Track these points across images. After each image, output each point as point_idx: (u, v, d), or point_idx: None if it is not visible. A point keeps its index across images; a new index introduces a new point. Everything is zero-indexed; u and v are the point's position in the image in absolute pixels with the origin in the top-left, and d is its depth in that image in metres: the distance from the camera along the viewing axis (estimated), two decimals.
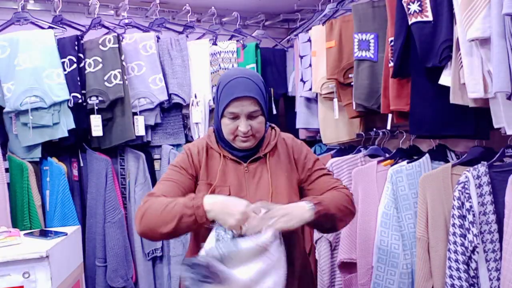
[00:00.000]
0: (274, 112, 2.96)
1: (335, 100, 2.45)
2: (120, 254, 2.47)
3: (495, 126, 1.55)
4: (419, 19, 1.70)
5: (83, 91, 2.40)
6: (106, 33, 2.52)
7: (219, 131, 1.38)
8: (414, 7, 1.71)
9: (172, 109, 2.68)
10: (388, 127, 2.18)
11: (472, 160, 1.76)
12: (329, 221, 1.27)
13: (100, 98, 2.40)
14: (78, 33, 2.49)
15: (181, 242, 2.57)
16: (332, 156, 2.43)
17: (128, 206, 2.60)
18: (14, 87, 2.23)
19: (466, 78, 1.54)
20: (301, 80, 2.73)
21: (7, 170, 2.27)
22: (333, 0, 2.60)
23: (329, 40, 2.41)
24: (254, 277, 1.12)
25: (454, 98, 1.63)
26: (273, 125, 1.47)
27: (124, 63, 2.47)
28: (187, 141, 2.68)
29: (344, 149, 2.52)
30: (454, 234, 1.64)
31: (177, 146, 2.68)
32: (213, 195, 1.25)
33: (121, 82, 2.41)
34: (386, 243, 1.92)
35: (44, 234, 1.87)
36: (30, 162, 2.30)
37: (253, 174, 1.37)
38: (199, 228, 1.21)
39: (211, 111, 2.71)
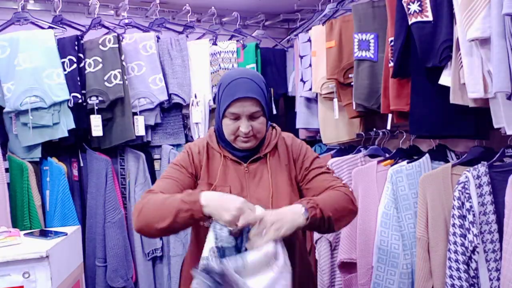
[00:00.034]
0: (274, 112, 2.96)
1: (335, 100, 2.45)
2: (120, 254, 2.47)
3: (495, 126, 1.55)
4: (419, 19, 1.70)
5: (83, 91, 2.40)
6: (106, 33, 2.52)
7: (220, 131, 1.38)
8: (414, 7, 1.71)
9: (172, 109, 2.68)
10: (388, 127, 2.18)
11: (472, 160, 1.76)
12: (325, 223, 1.24)
13: (100, 98, 2.40)
14: (78, 33, 2.49)
15: (181, 242, 2.57)
16: (332, 156, 2.44)
17: (128, 206, 2.60)
18: (14, 87, 2.23)
19: (466, 78, 1.54)
20: (301, 80, 2.74)
21: (7, 170, 2.27)
22: (333, 0, 2.60)
23: (329, 40, 2.41)
24: (267, 286, 1.12)
25: (454, 98, 1.63)
26: (274, 124, 1.47)
27: (124, 63, 2.47)
28: (187, 141, 2.68)
29: (344, 149, 2.52)
30: (454, 234, 1.64)
31: (177, 146, 2.68)
32: (210, 191, 1.24)
33: (121, 82, 2.41)
34: (386, 243, 1.92)
35: (44, 234, 1.87)
36: (30, 162, 2.30)
37: (253, 174, 1.37)
38: (195, 223, 1.21)
39: (211, 111, 2.71)
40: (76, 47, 2.40)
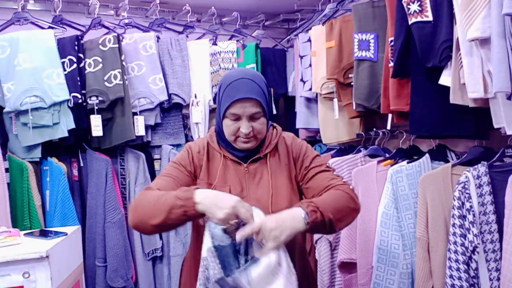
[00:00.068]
0: (274, 112, 2.96)
1: (335, 100, 2.45)
2: (120, 254, 2.47)
3: (495, 126, 1.55)
4: (419, 19, 1.70)
5: (83, 91, 2.40)
6: (106, 33, 2.52)
7: (220, 131, 1.38)
8: (414, 7, 1.71)
9: (172, 109, 2.68)
10: (388, 127, 2.18)
11: (472, 160, 1.76)
12: (326, 226, 1.22)
13: (100, 98, 2.40)
14: (78, 33, 2.49)
15: (181, 242, 2.57)
16: (332, 156, 2.44)
17: (128, 206, 2.60)
18: (14, 87, 2.23)
19: (466, 78, 1.54)
20: (301, 80, 2.74)
21: (7, 170, 2.27)
22: (333, 0, 2.60)
23: (329, 40, 2.41)
24: None
25: (454, 98, 1.63)
26: (274, 124, 1.46)
27: (124, 63, 2.47)
28: (187, 141, 2.68)
29: (344, 149, 2.52)
30: (454, 234, 1.64)
31: (177, 146, 2.69)
32: (206, 189, 1.23)
33: (121, 82, 2.41)
34: (386, 243, 1.92)
35: (44, 234, 1.87)
36: (30, 162, 2.30)
37: (253, 174, 1.36)
38: (189, 221, 1.20)
39: (211, 111, 2.71)
40: (76, 47, 2.40)
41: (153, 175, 2.63)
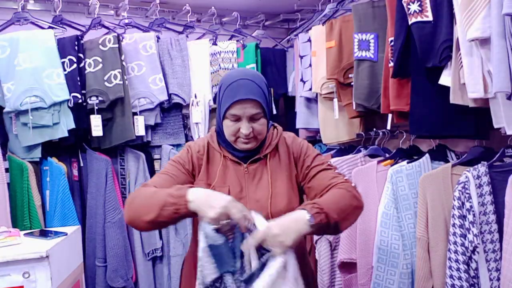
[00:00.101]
0: (274, 112, 2.96)
1: (335, 100, 2.45)
2: (120, 254, 2.47)
3: (495, 126, 1.55)
4: (419, 19, 1.70)
5: (83, 91, 2.40)
6: (106, 33, 2.52)
7: (220, 132, 1.38)
8: (414, 7, 1.71)
9: (172, 109, 2.68)
10: (388, 127, 2.18)
11: (472, 160, 1.76)
12: (331, 226, 1.21)
13: (100, 98, 2.40)
14: (78, 33, 2.49)
15: (181, 242, 2.57)
16: (332, 156, 2.44)
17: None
18: (14, 87, 2.23)
19: (466, 78, 1.54)
20: (301, 80, 2.74)
21: (7, 170, 2.26)
22: (333, 0, 2.60)
23: (329, 40, 2.41)
24: None
25: (454, 98, 1.63)
26: (275, 124, 1.46)
27: (124, 63, 2.47)
28: (187, 141, 2.68)
29: (344, 149, 2.52)
30: (454, 234, 1.64)
31: (177, 146, 2.69)
32: (200, 188, 1.22)
33: (121, 82, 2.41)
34: (386, 243, 1.92)
35: (44, 234, 1.87)
36: (30, 162, 2.30)
37: (253, 175, 1.36)
38: (181, 219, 1.20)
39: (211, 111, 2.71)
40: (76, 47, 2.40)
41: (153, 175, 2.62)
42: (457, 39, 1.58)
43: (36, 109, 2.25)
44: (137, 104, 2.53)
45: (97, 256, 2.48)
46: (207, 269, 1.14)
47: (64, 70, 2.33)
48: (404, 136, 2.22)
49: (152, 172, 2.63)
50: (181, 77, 2.63)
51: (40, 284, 1.62)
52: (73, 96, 2.32)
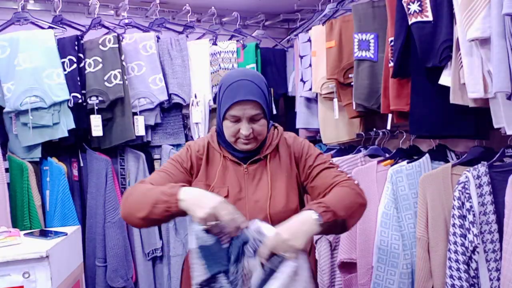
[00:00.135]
0: (274, 112, 2.96)
1: (335, 100, 2.45)
2: (120, 254, 2.47)
3: (495, 126, 1.55)
4: (419, 19, 1.70)
5: (83, 91, 2.40)
6: (106, 33, 2.52)
7: (220, 132, 1.37)
8: (414, 7, 1.71)
9: (172, 109, 2.68)
10: (388, 127, 2.18)
11: (472, 160, 1.76)
12: (339, 224, 1.21)
13: (100, 98, 2.40)
14: (78, 33, 2.49)
15: (181, 242, 2.57)
16: (332, 156, 2.44)
17: None
18: (14, 87, 2.23)
19: (466, 78, 1.54)
20: (301, 80, 2.74)
21: (7, 170, 2.26)
22: (333, 0, 2.60)
23: (329, 40, 2.41)
24: None
25: (454, 98, 1.63)
26: (276, 124, 1.45)
27: (124, 63, 2.47)
28: (187, 141, 2.67)
29: (344, 149, 2.52)
30: (454, 234, 1.64)
31: (177, 146, 2.69)
32: (192, 187, 1.22)
33: (121, 82, 2.41)
34: (386, 243, 1.92)
35: (44, 234, 1.86)
36: (30, 162, 2.30)
37: (252, 175, 1.36)
38: (173, 217, 1.20)
39: (211, 111, 2.71)
40: (76, 47, 2.40)
41: None
42: (457, 39, 1.58)
43: (36, 109, 2.25)
44: (137, 104, 2.53)
45: (97, 256, 2.48)
46: (197, 271, 1.14)
47: (64, 70, 2.33)
48: (404, 136, 2.22)
49: (152, 172, 2.63)
50: (181, 77, 2.63)
51: (40, 284, 1.62)
52: (73, 96, 2.32)
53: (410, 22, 1.74)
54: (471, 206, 1.61)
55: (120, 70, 2.41)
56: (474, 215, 1.60)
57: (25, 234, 1.87)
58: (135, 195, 1.24)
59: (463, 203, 1.62)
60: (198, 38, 2.94)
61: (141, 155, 2.60)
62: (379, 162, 2.12)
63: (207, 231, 1.13)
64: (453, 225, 1.64)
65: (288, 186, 1.36)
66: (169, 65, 2.64)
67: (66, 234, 1.85)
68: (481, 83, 1.49)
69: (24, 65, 2.24)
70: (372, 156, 2.26)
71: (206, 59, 2.72)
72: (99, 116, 2.40)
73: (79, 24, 2.55)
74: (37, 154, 2.33)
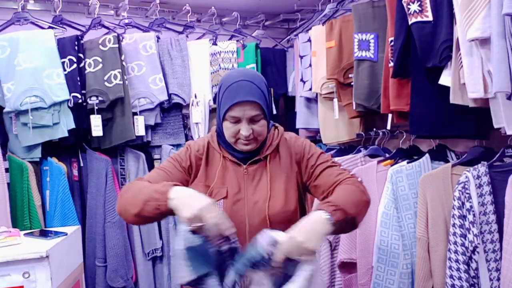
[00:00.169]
0: (274, 112, 2.96)
1: (335, 100, 2.45)
2: (120, 254, 2.47)
3: (495, 126, 1.55)
4: (419, 19, 1.70)
5: (83, 91, 2.40)
6: (106, 33, 2.52)
7: (220, 132, 1.37)
8: (414, 7, 1.71)
9: (172, 109, 2.68)
10: (388, 127, 2.18)
11: (472, 160, 1.76)
12: (349, 222, 1.20)
13: (100, 98, 2.40)
14: (78, 33, 2.49)
15: None
16: (332, 156, 2.41)
17: None
18: (14, 87, 2.23)
19: (466, 78, 1.54)
20: (301, 80, 2.74)
21: (7, 170, 2.26)
22: (333, 0, 2.60)
23: (329, 40, 2.41)
24: None
25: (454, 98, 1.63)
26: (276, 124, 1.45)
27: (124, 63, 2.47)
28: (187, 141, 2.68)
29: (344, 149, 2.52)
30: (454, 234, 1.64)
31: (177, 146, 2.69)
32: (185, 187, 1.21)
33: (121, 82, 2.41)
34: (386, 243, 1.92)
35: (44, 234, 1.86)
36: (30, 162, 2.30)
37: (252, 176, 1.35)
38: (163, 216, 1.19)
39: (211, 111, 2.71)
40: (76, 47, 2.40)
41: None
42: (457, 39, 1.58)
43: (36, 109, 2.25)
44: (137, 104, 2.53)
45: (97, 256, 2.48)
46: (181, 271, 1.12)
47: (64, 70, 2.33)
48: (404, 136, 2.22)
49: None
50: (181, 77, 2.63)
51: (40, 284, 1.62)
52: (73, 96, 2.32)
53: (410, 22, 1.74)
54: (471, 206, 1.61)
55: (120, 70, 2.41)
56: (474, 215, 1.60)
57: (25, 234, 1.87)
58: (130, 191, 1.25)
59: (463, 203, 1.62)
60: (198, 38, 2.94)
61: (141, 155, 2.60)
62: (379, 162, 2.12)
63: (194, 232, 1.11)
64: (453, 225, 1.64)
65: (287, 187, 1.35)
66: (169, 65, 2.64)
67: (66, 234, 1.85)
68: (481, 83, 1.49)
69: (24, 65, 2.24)
70: (372, 156, 2.26)
71: (206, 59, 2.72)
72: (99, 116, 2.40)
73: (79, 24, 2.55)
74: (37, 154, 2.33)
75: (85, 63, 2.43)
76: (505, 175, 1.58)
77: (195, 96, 2.65)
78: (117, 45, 2.43)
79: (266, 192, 1.32)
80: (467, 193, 1.61)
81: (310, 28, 2.69)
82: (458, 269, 1.62)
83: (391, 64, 1.88)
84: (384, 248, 1.92)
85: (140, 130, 2.52)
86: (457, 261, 1.62)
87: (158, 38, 2.66)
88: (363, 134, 2.37)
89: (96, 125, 2.39)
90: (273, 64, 3.15)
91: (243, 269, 1.12)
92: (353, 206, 1.22)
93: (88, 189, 2.51)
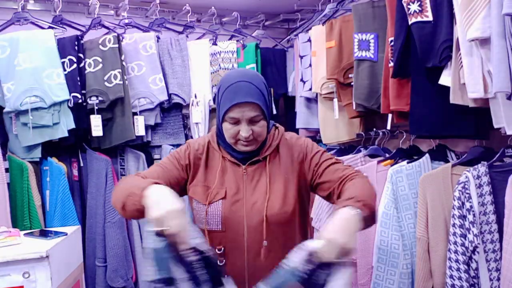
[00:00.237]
0: (274, 112, 2.96)
1: (335, 100, 2.45)
2: (120, 254, 2.47)
3: (495, 126, 1.55)
4: (419, 19, 1.70)
5: (83, 91, 2.40)
6: (106, 33, 2.52)
7: (220, 133, 1.37)
8: (414, 7, 1.71)
9: (172, 109, 2.68)
10: (388, 127, 2.18)
11: (472, 160, 1.76)
12: (372, 218, 1.19)
13: (100, 98, 2.40)
14: (78, 33, 2.49)
15: None
16: None
17: None
18: (14, 87, 2.23)
19: (466, 78, 1.54)
20: (301, 80, 2.74)
21: (7, 170, 2.27)
22: (333, 0, 2.60)
23: (329, 40, 2.41)
24: None
25: (454, 98, 1.63)
26: (277, 124, 1.44)
27: (124, 63, 2.47)
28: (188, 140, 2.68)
29: (344, 149, 2.52)
30: (454, 234, 1.64)
31: (177, 146, 2.68)
32: (164, 187, 1.18)
33: (121, 82, 2.41)
34: (386, 243, 1.92)
35: (44, 234, 1.86)
36: (30, 162, 2.30)
37: (251, 176, 1.35)
38: (141, 213, 1.16)
39: (211, 111, 2.71)
40: (76, 47, 2.40)
41: None
42: (457, 39, 1.58)
43: (36, 109, 2.25)
44: (137, 104, 2.53)
45: (97, 256, 2.48)
46: (147, 270, 1.09)
47: (64, 70, 2.33)
48: (404, 136, 2.22)
49: None
50: (181, 77, 2.63)
51: (40, 284, 1.62)
52: (73, 96, 2.32)
53: (410, 22, 1.74)
54: (471, 206, 1.61)
55: (120, 70, 2.41)
56: (474, 215, 1.60)
57: (25, 234, 1.87)
58: (121, 184, 1.26)
59: (463, 203, 1.62)
60: (198, 38, 2.94)
61: (141, 155, 2.60)
62: (379, 162, 2.12)
63: (158, 234, 1.07)
64: (453, 225, 1.64)
65: (286, 187, 1.34)
66: (169, 65, 2.64)
67: (66, 234, 1.85)
68: (481, 83, 1.49)
69: (24, 65, 2.24)
70: (372, 156, 2.26)
71: (206, 59, 2.72)
72: (99, 116, 2.40)
73: (79, 24, 2.55)
74: (37, 154, 2.33)
75: (85, 63, 2.43)
76: (505, 175, 1.58)
77: (195, 96, 2.65)
78: (117, 45, 2.43)
79: (265, 193, 1.32)
80: (467, 193, 1.61)
81: (310, 28, 2.69)
82: (458, 269, 1.62)
83: (391, 64, 1.88)
84: (384, 248, 1.92)
85: (140, 130, 2.52)
86: (457, 261, 1.62)
87: (158, 38, 2.66)
88: (363, 134, 2.37)
89: (96, 125, 2.39)
90: (273, 64, 3.15)
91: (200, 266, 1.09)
92: (373, 200, 1.21)
93: (88, 189, 2.51)
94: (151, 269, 1.08)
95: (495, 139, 1.84)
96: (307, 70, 2.68)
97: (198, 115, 2.64)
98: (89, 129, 2.41)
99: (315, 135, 2.82)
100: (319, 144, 2.81)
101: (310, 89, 2.65)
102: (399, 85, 1.91)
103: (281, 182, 1.34)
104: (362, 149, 2.34)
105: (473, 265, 1.61)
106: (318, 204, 2.29)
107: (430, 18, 1.68)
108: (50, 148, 2.41)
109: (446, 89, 1.66)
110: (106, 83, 2.41)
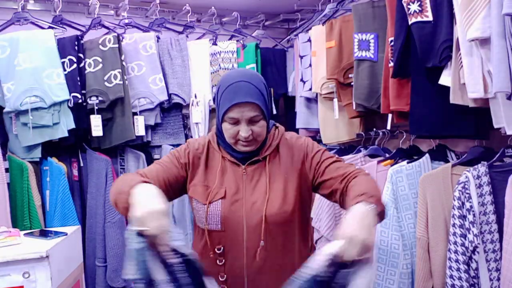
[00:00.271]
0: (274, 112, 2.96)
1: (335, 100, 2.45)
2: (120, 254, 2.47)
3: (495, 126, 1.55)
4: (419, 19, 1.70)
5: (83, 91, 2.40)
6: (106, 33, 2.52)
7: (220, 133, 1.37)
8: (414, 7, 1.71)
9: (172, 109, 2.68)
10: (388, 127, 2.18)
11: (472, 160, 1.76)
12: (384, 211, 1.17)
13: (100, 98, 2.40)
14: (78, 33, 2.49)
15: None
16: None
17: None
18: (14, 87, 2.23)
19: (466, 78, 1.54)
20: (301, 80, 2.74)
21: (7, 170, 2.27)
22: (333, 0, 2.60)
23: (329, 40, 2.41)
24: None
25: (454, 98, 1.63)
26: (277, 124, 1.44)
27: (124, 63, 2.47)
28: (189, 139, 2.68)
29: (344, 149, 2.52)
30: (454, 234, 1.64)
31: (177, 146, 2.66)
32: (152, 186, 1.17)
33: (121, 82, 2.41)
34: (386, 243, 1.92)
35: (44, 234, 1.86)
36: (30, 162, 2.30)
37: (251, 176, 1.34)
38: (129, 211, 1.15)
39: (211, 111, 2.71)
40: (76, 47, 2.40)
41: None
42: (457, 39, 1.58)
43: (36, 109, 2.25)
44: (137, 104, 2.53)
45: (97, 256, 2.48)
46: (128, 268, 1.07)
47: (64, 70, 2.33)
48: (404, 136, 2.22)
49: None
50: (181, 77, 2.63)
51: (40, 284, 1.62)
52: (73, 96, 2.32)
53: (410, 22, 1.74)
54: (471, 206, 1.61)
55: (120, 70, 2.41)
56: (474, 215, 1.60)
57: (25, 234, 1.87)
58: (117, 182, 1.26)
59: (463, 203, 1.62)
60: (198, 38, 2.94)
61: (141, 155, 2.60)
62: (379, 162, 2.12)
63: (139, 234, 1.06)
64: (453, 225, 1.64)
65: (286, 187, 1.34)
66: (169, 65, 2.64)
67: (66, 234, 1.85)
68: (481, 83, 1.49)
69: (24, 65, 2.24)
70: (372, 156, 2.26)
71: (206, 59, 2.72)
72: (99, 116, 2.40)
73: (79, 24, 2.55)
74: (37, 154, 2.33)
75: (85, 63, 2.43)
76: (505, 175, 1.58)
77: (195, 96, 2.65)
78: (117, 45, 2.43)
79: (265, 193, 1.31)
80: (467, 193, 1.61)
81: (310, 28, 2.69)
82: (458, 269, 1.62)
83: (391, 64, 1.88)
84: (384, 248, 1.92)
85: (140, 130, 2.52)
86: (457, 261, 1.62)
87: (158, 38, 2.66)
88: (363, 134, 2.38)
89: (96, 125, 2.39)
90: (273, 64, 3.15)
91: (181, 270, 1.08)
92: (381, 196, 1.21)
93: (88, 189, 2.51)
94: (131, 268, 1.06)
95: (495, 139, 1.84)
96: (307, 70, 2.68)
97: (198, 115, 2.64)
98: (89, 129, 2.41)
99: (315, 135, 2.82)
100: (319, 144, 2.83)
101: (310, 89, 2.65)
102: (399, 85, 1.91)
103: (281, 182, 1.34)
104: (362, 149, 2.34)
105: (473, 265, 1.61)
106: (318, 204, 2.28)
107: (430, 18, 1.68)
108: (50, 148, 2.41)
109: (446, 89, 1.66)
110: (106, 83, 2.41)
